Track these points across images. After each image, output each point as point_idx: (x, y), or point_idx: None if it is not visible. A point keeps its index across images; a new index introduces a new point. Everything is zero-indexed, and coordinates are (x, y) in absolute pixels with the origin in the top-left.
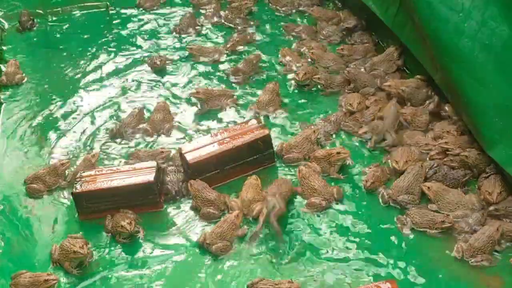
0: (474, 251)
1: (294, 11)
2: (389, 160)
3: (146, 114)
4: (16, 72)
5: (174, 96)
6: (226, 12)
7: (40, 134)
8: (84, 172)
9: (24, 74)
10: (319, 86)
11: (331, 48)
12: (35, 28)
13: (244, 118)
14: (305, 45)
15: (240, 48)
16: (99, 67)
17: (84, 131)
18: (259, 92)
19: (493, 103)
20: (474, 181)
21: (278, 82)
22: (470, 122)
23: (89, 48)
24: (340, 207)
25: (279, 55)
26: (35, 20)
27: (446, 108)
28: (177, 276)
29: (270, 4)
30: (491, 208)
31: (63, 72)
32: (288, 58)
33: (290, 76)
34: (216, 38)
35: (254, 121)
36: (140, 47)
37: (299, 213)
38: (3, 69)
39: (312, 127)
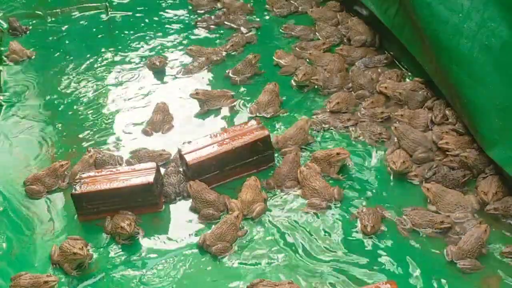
0: (463, 253)
1: (293, 12)
2: (386, 162)
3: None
4: (22, 49)
5: (174, 97)
6: (226, 13)
7: (39, 135)
8: (83, 173)
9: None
10: (315, 86)
11: (330, 49)
12: (28, 32)
13: (243, 119)
14: (304, 45)
15: (240, 49)
16: (98, 68)
17: (83, 132)
18: (258, 93)
19: (492, 104)
20: (474, 182)
21: (277, 83)
22: (469, 122)
23: (88, 50)
24: (340, 207)
25: (274, 58)
26: (28, 23)
27: (447, 112)
28: (177, 277)
29: (269, 5)
30: (490, 207)
31: (62, 73)
32: (283, 60)
33: (289, 77)
34: (216, 39)
35: (253, 122)
36: (139, 48)
37: (298, 213)
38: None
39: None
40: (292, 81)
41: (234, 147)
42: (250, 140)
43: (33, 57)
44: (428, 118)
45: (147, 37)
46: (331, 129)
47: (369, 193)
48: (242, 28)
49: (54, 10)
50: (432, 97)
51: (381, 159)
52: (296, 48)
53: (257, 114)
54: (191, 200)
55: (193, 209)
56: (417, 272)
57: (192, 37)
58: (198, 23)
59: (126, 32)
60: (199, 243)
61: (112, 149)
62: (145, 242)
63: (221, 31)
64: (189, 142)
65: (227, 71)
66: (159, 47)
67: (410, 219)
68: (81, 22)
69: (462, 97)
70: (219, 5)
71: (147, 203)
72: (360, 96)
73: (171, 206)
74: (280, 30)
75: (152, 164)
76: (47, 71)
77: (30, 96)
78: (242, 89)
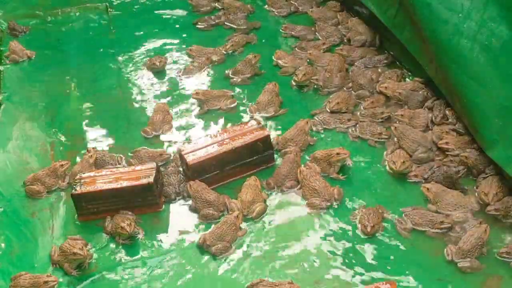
0: (463, 254)
1: (293, 12)
2: (386, 162)
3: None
4: (22, 49)
5: (174, 97)
6: (226, 13)
7: (39, 135)
8: (83, 173)
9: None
10: (314, 86)
11: (330, 48)
12: (28, 32)
13: (243, 119)
14: (304, 45)
15: (240, 49)
16: (98, 68)
17: (83, 132)
18: (258, 92)
19: (492, 104)
20: (474, 182)
21: (277, 83)
22: (469, 122)
23: (88, 50)
24: (340, 207)
25: (273, 58)
26: (28, 23)
27: (447, 112)
28: (177, 277)
29: (269, 5)
30: (491, 208)
31: (62, 73)
32: (283, 60)
33: (289, 77)
34: (216, 39)
35: (253, 122)
36: (139, 48)
37: (298, 213)
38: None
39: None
40: (292, 81)
41: (234, 147)
42: (250, 140)
43: (33, 57)
44: (428, 118)
45: (147, 37)
46: (331, 129)
47: (369, 193)
48: (242, 28)
49: (54, 10)
50: (432, 97)
51: (381, 159)
52: (296, 48)
53: (257, 114)
54: (191, 200)
55: (193, 209)
56: (417, 272)
57: (192, 37)
58: (198, 23)
59: (126, 32)
60: (199, 243)
61: (112, 149)
62: (145, 242)
63: (221, 31)
64: (189, 142)
65: (227, 71)
66: (159, 47)
67: (410, 219)
68: (81, 22)
69: (462, 97)
70: (219, 5)
71: (147, 203)
72: (360, 96)
73: (171, 206)
74: (280, 30)
75: (152, 164)
76: (47, 71)
77: (30, 96)
78: (241, 89)
